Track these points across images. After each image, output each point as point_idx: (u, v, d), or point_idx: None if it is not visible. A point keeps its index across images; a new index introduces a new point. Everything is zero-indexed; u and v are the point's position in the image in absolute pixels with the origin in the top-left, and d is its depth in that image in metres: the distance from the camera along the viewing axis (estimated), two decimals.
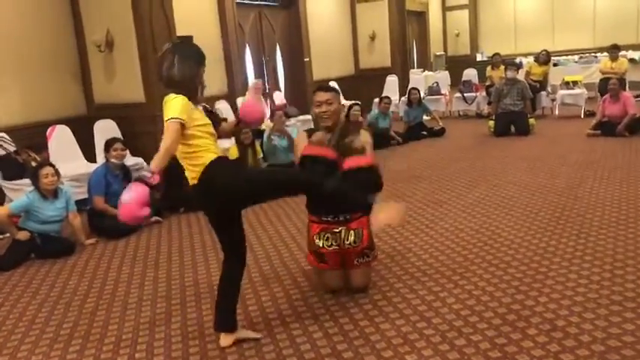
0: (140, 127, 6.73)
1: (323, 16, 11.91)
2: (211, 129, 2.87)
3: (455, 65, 16.46)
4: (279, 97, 10.09)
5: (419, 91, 9.57)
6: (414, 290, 3.50)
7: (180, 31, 7.92)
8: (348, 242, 3.37)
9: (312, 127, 3.48)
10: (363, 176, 3.26)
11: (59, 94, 6.86)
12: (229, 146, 6.59)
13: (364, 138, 3.45)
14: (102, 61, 6.93)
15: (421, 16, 16.84)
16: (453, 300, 3.32)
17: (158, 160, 2.63)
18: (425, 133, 9.29)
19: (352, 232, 3.37)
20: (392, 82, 12.28)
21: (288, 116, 9.40)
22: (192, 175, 2.81)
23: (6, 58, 6.27)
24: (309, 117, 9.47)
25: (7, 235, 4.88)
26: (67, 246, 4.75)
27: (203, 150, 2.77)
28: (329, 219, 3.38)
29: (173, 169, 5.91)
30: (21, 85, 6.39)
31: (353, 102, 8.65)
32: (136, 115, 6.78)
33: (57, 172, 4.77)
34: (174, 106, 2.69)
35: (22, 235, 4.63)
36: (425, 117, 9.68)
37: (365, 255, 3.45)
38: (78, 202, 5.25)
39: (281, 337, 3.03)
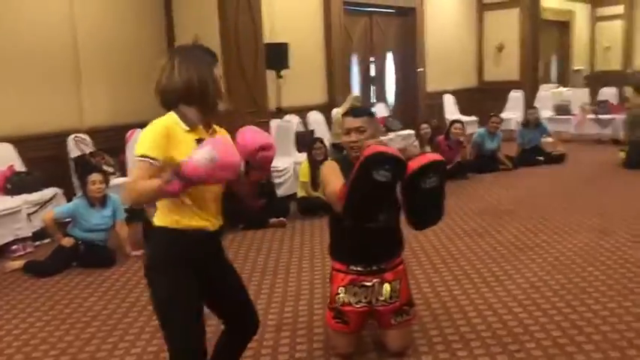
0: None
1: (444, 24, 11.13)
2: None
3: (600, 82, 14.68)
4: (381, 110, 9.52)
5: (537, 110, 8.48)
6: (460, 358, 2.86)
7: (275, 37, 7.73)
8: (382, 298, 2.74)
9: (356, 153, 2.72)
10: (432, 179, 2.52)
11: (147, 97, 6.85)
12: (301, 161, 6.18)
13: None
14: None
15: (564, 27, 15.27)
16: None
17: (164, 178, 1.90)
18: (541, 158, 8.20)
19: (387, 285, 2.74)
20: (516, 99, 11.16)
21: (388, 130, 8.86)
22: (153, 216, 2.16)
23: (99, 62, 6.38)
24: (411, 132, 8.81)
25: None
26: (107, 257, 4.61)
27: (166, 201, 2.04)
28: (359, 269, 2.74)
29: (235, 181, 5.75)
30: (110, 87, 6.48)
31: (454, 119, 7.85)
32: (217, 123, 6.59)
33: (105, 180, 4.67)
34: (144, 135, 2.02)
35: (67, 242, 4.56)
36: (545, 139, 8.57)
37: (404, 312, 2.82)
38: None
39: None
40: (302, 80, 8.22)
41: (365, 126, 2.73)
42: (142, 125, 6.71)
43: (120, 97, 6.51)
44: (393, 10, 10.13)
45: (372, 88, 9.94)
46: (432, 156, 2.63)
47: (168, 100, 2.14)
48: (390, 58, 10.27)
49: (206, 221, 2.11)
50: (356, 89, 9.64)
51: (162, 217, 2.09)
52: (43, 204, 5.21)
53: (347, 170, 2.59)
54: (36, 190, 5.31)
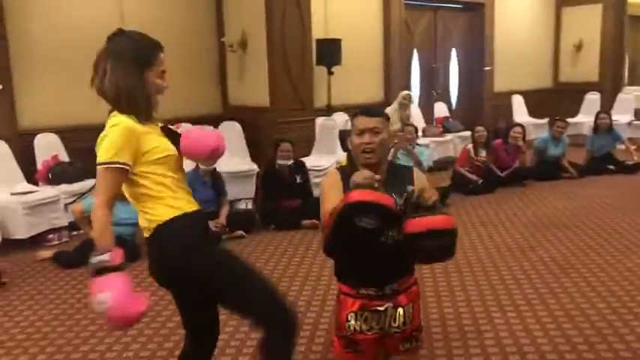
0: (263, 134, 6.45)
1: (516, 20, 10.50)
2: (175, 162, 2.07)
3: None
4: (441, 109, 9.10)
5: (608, 115, 7.79)
6: None
7: (330, 33, 7.52)
8: (395, 325, 2.38)
9: (368, 158, 2.39)
10: (437, 242, 2.17)
11: (196, 92, 6.88)
12: (340, 158, 5.96)
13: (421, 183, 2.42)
14: (236, 61, 6.79)
15: None
16: None
17: (98, 238, 1.93)
18: (612, 167, 7.53)
19: (401, 310, 2.39)
20: (592, 101, 10.36)
21: (446, 131, 8.46)
22: (143, 224, 2.05)
23: None
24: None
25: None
26: (132, 251, 4.58)
27: (155, 198, 2.00)
28: (370, 292, 2.38)
29: (271, 183, 5.63)
30: None
31: (516, 122, 7.34)
32: (260, 120, 6.51)
33: None
34: (110, 140, 1.93)
35: None
36: (619, 146, 7.88)
37: (413, 339, 2.47)
38: None
39: None
40: (356, 77, 7.97)
41: (380, 127, 2.36)
42: (189, 120, 6.77)
43: (166, 91, 6.53)
44: (459, 6, 9.66)
45: (433, 86, 9.51)
46: (433, 222, 2.13)
47: (111, 103, 2.05)
48: (454, 55, 9.80)
49: (194, 205, 2.10)
50: (415, 87, 9.29)
51: (161, 213, 2.00)
52: (80, 195, 5.29)
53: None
54: (76, 181, 5.41)
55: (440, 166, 7.94)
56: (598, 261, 4.32)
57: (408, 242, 2.16)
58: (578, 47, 11.19)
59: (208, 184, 5.20)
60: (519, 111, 10.20)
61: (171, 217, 1.99)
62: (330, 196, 2.29)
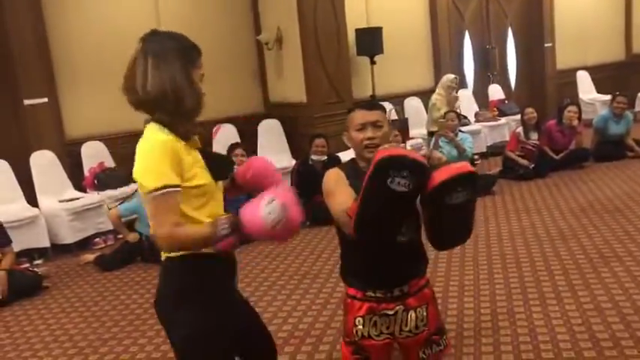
0: (301, 129, 6.44)
1: None
2: (215, 189, 1.81)
3: None
4: (496, 92, 8.71)
5: None
6: None
7: (373, 22, 7.39)
8: (406, 329, 2.23)
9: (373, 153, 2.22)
10: (465, 195, 2.01)
11: (237, 92, 6.96)
12: None
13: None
14: (274, 59, 6.80)
15: None
16: None
17: (201, 239, 1.68)
18: None
19: (412, 312, 2.23)
20: None
21: (502, 114, 8.11)
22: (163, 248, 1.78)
23: None
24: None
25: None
26: (152, 252, 4.71)
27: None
28: (378, 295, 2.23)
29: (305, 179, 5.59)
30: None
31: (568, 101, 6.89)
32: (298, 117, 6.50)
33: None
34: (153, 163, 1.66)
35: (132, 237, 4.76)
36: None
37: (434, 343, 2.27)
38: None
39: None
40: (402, 65, 7.80)
41: (382, 120, 2.23)
42: (230, 120, 6.86)
43: (207, 92, 6.62)
44: None
45: (489, 68, 9.11)
46: (460, 167, 2.00)
47: (144, 109, 1.79)
48: (510, 34, 9.34)
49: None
50: (469, 71, 8.95)
51: None
52: (123, 200, 5.48)
53: (354, 179, 2.13)
54: (119, 186, 5.61)
55: (494, 151, 7.60)
56: None
57: (436, 203, 1.99)
58: None
59: None
60: (585, 88, 9.59)
61: (184, 254, 1.74)
62: (341, 190, 2.13)
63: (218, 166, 1.84)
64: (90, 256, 4.90)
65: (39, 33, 5.57)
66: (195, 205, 1.74)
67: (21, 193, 5.32)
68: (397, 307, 2.21)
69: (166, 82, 1.71)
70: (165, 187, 1.63)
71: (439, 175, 1.95)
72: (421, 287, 2.27)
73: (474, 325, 3.11)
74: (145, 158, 1.67)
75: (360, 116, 2.23)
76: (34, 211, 5.09)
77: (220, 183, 1.87)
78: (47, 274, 4.58)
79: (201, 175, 1.74)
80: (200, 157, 1.78)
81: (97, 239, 5.36)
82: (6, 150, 5.45)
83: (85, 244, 5.27)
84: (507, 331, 3.00)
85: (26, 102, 5.48)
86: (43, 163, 5.50)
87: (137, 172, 1.69)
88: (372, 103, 2.46)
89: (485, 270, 3.86)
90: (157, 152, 1.66)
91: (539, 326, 3.02)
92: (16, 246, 4.66)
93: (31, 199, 5.32)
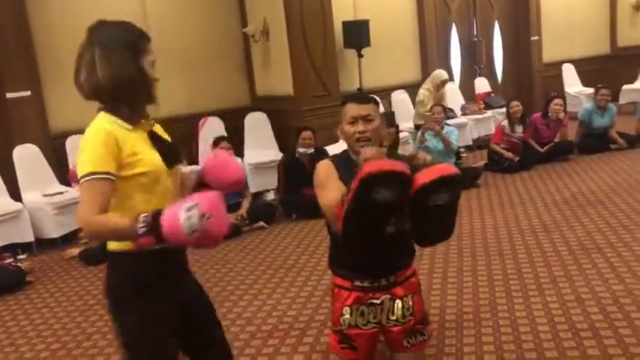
0: (288, 122, 6.41)
1: None
2: (165, 175, 1.81)
3: None
4: (483, 85, 8.74)
5: None
6: None
7: (360, 14, 7.37)
8: (393, 318, 2.26)
9: (364, 147, 2.21)
10: (448, 196, 2.04)
11: (223, 85, 6.92)
12: None
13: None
14: (260, 51, 6.78)
15: None
16: None
17: (120, 230, 1.64)
18: None
19: (399, 301, 2.27)
20: None
21: (488, 107, 8.14)
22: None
23: (172, 51, 6.51)
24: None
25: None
26: None
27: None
28: (365, 284, 2.27)
29: (292, 172, 5.59)
30: (186, 74, 6.57)
31: (553, 94, 6.93)
32: (285, 110, 6.48)
33: None
34: (89, 151, 1.68)
35: None
36: None
37: (418, 333, 2.31)
38: None
39: None
40: (389, 58, 7.78)
41: (373, 114, 2.26)
42: (216, 113, 6.83)
43: (192, 87, 6.61)
44: None
45: (476, 61, 9.13)
46: (443, 169, 2.04)
47: (96, 99, 1.80)
48: (496, 27, 9.36)
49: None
50: (456, 64, 8.96)
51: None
52: None
53: (345, 170, 2.19)
54: None
55: (480, 144, 7.63)
56: (627, 239, 4.02)
57: (419, 204, 2.02)
58: (638, 7, 10.41)
59: None
60: (570, 81, 9.64)
61: (123, 249, 1.75)
62: (330, 185, 2.19)
63: (168, 150, 1.84)
64: (75, 251, 4.87)
65: (22, 25, 5.50)
66: (143, 197, 1.75)
67: (4, 187, 5.28)
68: (383, 297, 2.25)
69: (115, 72, 1.74)
70: (92, 173, 1.65)
71: (423, 177, 1.99)
72: (408, 277, 2.31)
73: (455, 317, 3.13)
74: (84, 146, 1.70)
75: (352, 110, 2.28)
76: (18, 205, 5.06)
77: (175, 173, 1.89)
78: (31, 269, 4.55)
79: (146, 162, 1.75)
80: (149, 140, 1.80)
81: (82, 234, 5.32)
82: None
83: (70, 238, 5.24)
84: (489, 322, 3.04)
85: (9, 95, 5.43)
86: (27, 156, 5.45)
87: (78, 160, 1.72)
88: (365, 96, 2.48)
89: (469, 262, 3.89)
90: (95, 141, 1.69)
91: (520, 317, 3.05)
92: None
93: (15, 194, 5.28)
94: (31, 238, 5.05)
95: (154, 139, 1.83)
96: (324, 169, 2.28)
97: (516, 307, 3.17)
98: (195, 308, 1.97)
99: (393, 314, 2.27)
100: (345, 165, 2.23)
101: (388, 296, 2.25)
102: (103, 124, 1.73)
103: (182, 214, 1.54)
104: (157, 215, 1.58)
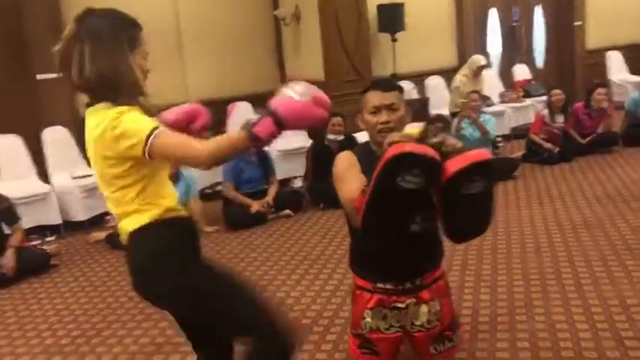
0: None
1: None
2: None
3: None
4: (523, 72, 8.41)
5: None
6: None
7: None
8: (418, 323, 2.11)
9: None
10: (483, 183, 1.84)
11: (253, 69, 6.80)
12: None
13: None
14: (291, 35, 6.62)
15: None
16: None
17: (237, 142, 1.68)
18: None
19: (424, 306, 2.10)
20: None
21: (527, 95, 7.84)
22: (118, 213, 1.83)
23: (202, 37, 6.41)
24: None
25: None
26: None
27: (147, 201, 1.75)
28: (388, 287, 2.10)
29: (321, 160, 5.43)
30: (216, 58, 6.48)
31: (596, 82, 6.60)
32: None
33: None
34: (135, 117, 1.67)
35: None
36: None
37: (446, 339, 2.15)
38: None
39: None
40: (425, 42, 7.54)
41: (397, 102, 2.08)
42: (246, 98, 6.73)
43: (222, 71, 6.51)
44: None
45: (515, 47, 8.79)
46: (476, 155, 1.83)
47: (85, 93, 1.77)
48: (538, 12, 8.99)
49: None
50: (494, 49, 8.65)
51: (147, 213, 1.75)
52: None
53: (367, 163, 2.00)
54: None
55: (519, 133, 7.35)
56: None
57: (451, 193, 1.83)
58: None
59: (255, 164, 5.12)
60: (616, 69, 9.21)
61: (159, 218, 1.77)
62: (352, 176, 2.01)
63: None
64: (100, 235, 4.84)
65: (53, 7, 5.47)
66: (165, 172, 1.86)
67: (33, 169, 5.28)
68: (408, 301, 2.09)
69: (106, 68, 1.68)
70: (155, 127, 1.64)
71: (453, 165, 1.79)
72: (435, 279, 2.14)
73: (489, 319, 2.96)
74: (126, 122, 1.65)
75: (374, 98, 2.08)
76: (46, 187, 5.05)
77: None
78: (57, 252, 4.53)
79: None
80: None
81: (109, 217, 5.29)
82: (18, 125, 5.39)
83: (97, 221, 5.21)
84: (524, 326, 2.85)
85: (39, 77, 5.41)
86: (56, 138, 5.44)
87: (129, 132, 1.65)
88: (389, 82, 2.30)
89: (504, 260, 3.70)
90: (131, 113, 1.67)
91: (558, 322, 2.86)
92: (28, 222, 4.64)
93: (43, 176, 5.28)
94: (58, 221, 5.05)
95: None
96: (345, 161, 2.10)
97: (554, 310, 2.98)
98: None
99: (417, 319, 2.10)
100: (367, 157, 2.04)
101: (414, 300, 2.09)
102: (119, 108, 1.68)
103: (286, 90, 1.66)
104: (267, 104, 1.66)
